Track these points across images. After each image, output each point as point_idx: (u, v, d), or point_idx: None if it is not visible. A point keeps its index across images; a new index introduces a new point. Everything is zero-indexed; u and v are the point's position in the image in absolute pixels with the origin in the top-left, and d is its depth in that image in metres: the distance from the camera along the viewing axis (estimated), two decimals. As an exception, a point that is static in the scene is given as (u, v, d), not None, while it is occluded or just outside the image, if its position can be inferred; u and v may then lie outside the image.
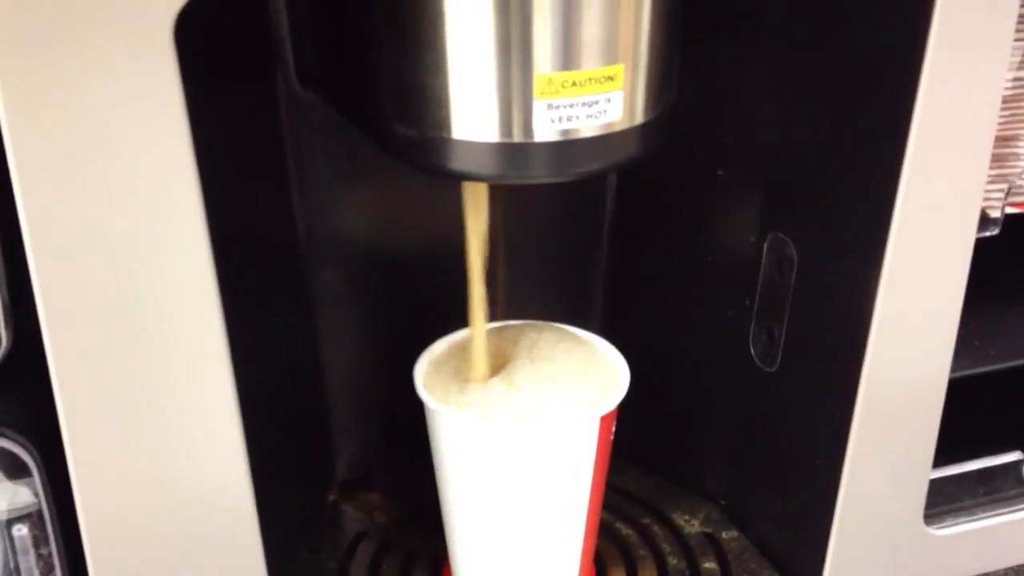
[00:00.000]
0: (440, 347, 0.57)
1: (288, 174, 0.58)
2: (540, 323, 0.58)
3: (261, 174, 0.56)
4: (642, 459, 0.70)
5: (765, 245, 0.58)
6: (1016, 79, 0.54)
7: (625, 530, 0.65)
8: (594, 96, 0.41)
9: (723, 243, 0.61)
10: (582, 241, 0.68)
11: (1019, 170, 0.57)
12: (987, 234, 0.55)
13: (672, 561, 0.63)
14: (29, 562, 0.45)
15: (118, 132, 0.38)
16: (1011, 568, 0.62)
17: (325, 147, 0.59)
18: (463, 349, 0.56)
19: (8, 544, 0.44)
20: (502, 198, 0.61)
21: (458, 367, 0.55)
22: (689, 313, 0.64)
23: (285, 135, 0.57)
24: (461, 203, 0.50)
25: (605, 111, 0.41)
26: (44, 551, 0.45)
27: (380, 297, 0.65)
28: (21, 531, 0.44)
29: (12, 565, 0.45)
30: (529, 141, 0.41)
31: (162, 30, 0.37)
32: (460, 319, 0.55)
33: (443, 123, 0.41)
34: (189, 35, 0.38)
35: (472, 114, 0.41)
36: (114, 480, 0.44)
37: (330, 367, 0.65)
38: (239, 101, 0.52)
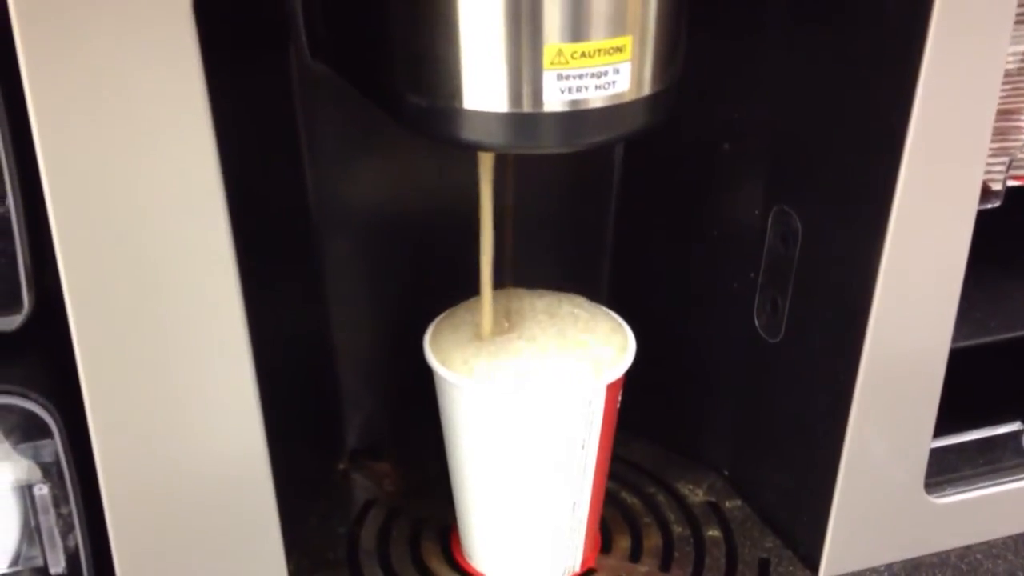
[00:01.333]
0: (451, 311, 0.58)
1: (300, 145, 0.59)
2: (550, 292, 0.59)
3: (274, 145, 0.57)
4: (648, 431, 0.71)
5: (770, 218, 0.58)
6: (1017, 53, 0.55)
7: (631, 499, 0.66)
8: (603, 67, 0.41)
9: (728, 216, 0.61)
10: (589, 214, 0.69)
11: (1021, 143, 0.57)
12: (989, 207, 0.56)
13: (676, 529, 0.64)
14: (49, 521, 0.46)
15: (139, 98, 0.39)
16: (1010, 537, 0.62)
17: (336, 118, 0.59)
18: (474, 311, 0.57)
19: (29, 503, 0.45)
20: (512, 172, 0.62)
21: (468, 328, 0.56)
22: (695, 285, 0.65)
23: (297, 107, 0.58)
24: (477, 168, 0.51)
25: (613, 82, 0.42)
26: (64, 510, 0.46)
27: (390, 268, 0.66)
28: (42, 490, 0.45)
29: (33, 523, 0.46)
30: (539, 111, 0.42)
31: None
32: (470, 290, 0.56)
33: (455, 93, 0.42)
34: (207, 4, 0.39)
35: (483, 84, 0.41)
36: (132, 444, 0.45)
37: (341, 337, 0.66)
38: (253, 73, 0.52)
